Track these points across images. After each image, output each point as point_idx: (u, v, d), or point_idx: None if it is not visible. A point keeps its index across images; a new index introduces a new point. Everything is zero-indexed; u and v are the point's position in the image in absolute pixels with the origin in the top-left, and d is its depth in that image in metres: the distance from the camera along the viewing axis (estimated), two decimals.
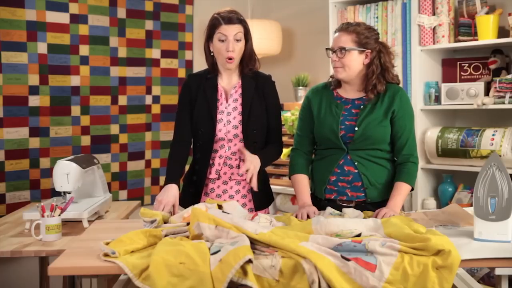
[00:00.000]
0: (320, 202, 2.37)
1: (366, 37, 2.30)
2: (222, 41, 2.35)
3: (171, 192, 2.32)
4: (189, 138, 2.49)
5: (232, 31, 2.35)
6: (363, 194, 2.32)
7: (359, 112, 2.34)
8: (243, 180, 2.45)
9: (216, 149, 2.45)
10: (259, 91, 2.45)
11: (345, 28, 2.32)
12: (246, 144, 2.42)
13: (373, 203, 2.32)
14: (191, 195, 2.47)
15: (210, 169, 2.46)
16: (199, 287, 1.60)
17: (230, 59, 2.35)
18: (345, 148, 2.33)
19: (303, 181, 2.40)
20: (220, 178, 2.46)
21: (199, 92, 2.45)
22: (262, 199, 2.50)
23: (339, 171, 2.34)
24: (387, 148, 2.35)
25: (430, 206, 3.36)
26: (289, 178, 2.47)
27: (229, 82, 2.46)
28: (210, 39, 2.40)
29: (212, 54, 2.42)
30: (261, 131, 2.46)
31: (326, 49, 2.37)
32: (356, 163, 2.32)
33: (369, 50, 2.31)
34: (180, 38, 4.15)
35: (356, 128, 2.31)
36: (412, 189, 2.34)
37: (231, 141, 2.44)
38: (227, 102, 2.44)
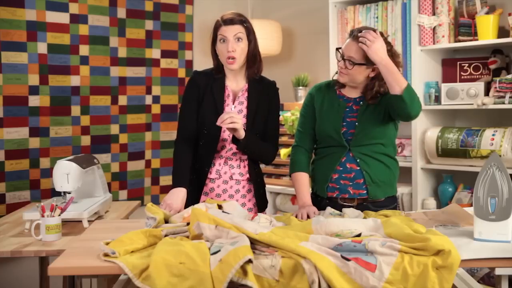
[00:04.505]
0: (321, 201, 2.37)
1: None
2: (223, 42, 2.36)
3: (180, 197, 2.33)
4: (194, 135, 2.47)
5: (231, 31, 2.35)
6: (365, 192, 2.32)
7: (359, 108, 2.34)
8: (243, 180, 2.46)
9: (218, 150, 2.45)
10: (264, 96, 2.45)
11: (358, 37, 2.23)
12: None
13: (374, 202, 2.33)
14: (191, 194, 2.46)
15: (211, 168, 2.46)
16: (199, 287, 1.60)
17: (231, 58, 2.35)
18: (347, 145, 2.33)
19: (303, 180, 2.40)
20: (221, 178, 2.46)
21: (207, 90, 2.45)
22: (260, 200, 2.51)
23: (341, 168, 2.34)
24: (388, 143, 2.36)
25: (430, 206, 3.36)
26: (290, 176, 2.47)
27: (237, 85, 2.47)
28: (215, 42, 2.41)
29: (218, 57, 2.43)
30: (264, 135, 2.46)
31: (337, 49, 2.32)
32: (358, 160, 2.32)
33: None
34: (180, 38, 4.15)
35: (357, 123, 2.31)
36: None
37: None
38: (233, 103, 2.45)
